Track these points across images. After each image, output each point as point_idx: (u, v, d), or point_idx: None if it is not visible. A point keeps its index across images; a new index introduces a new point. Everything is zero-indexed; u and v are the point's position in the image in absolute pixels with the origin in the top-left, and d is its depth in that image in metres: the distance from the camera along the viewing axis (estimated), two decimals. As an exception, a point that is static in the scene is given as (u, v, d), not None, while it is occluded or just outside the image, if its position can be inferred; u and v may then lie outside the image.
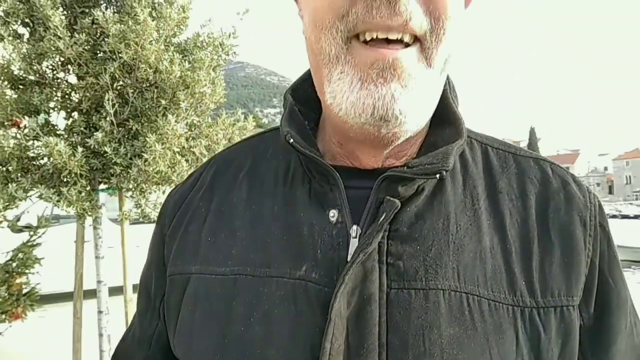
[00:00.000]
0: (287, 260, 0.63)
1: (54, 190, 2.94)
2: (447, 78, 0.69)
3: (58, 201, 2.87)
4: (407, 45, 0.57)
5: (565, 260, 0.64)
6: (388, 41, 0.56)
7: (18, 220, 4.65)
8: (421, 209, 0.63)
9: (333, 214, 0.63)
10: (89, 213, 3.08)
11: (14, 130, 3.05)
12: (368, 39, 0.56)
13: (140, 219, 3.54)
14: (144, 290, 0.79)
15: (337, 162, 0.68)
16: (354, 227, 0.61)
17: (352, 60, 0.57)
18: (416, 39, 0.57)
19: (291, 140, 0.64)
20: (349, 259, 0.59)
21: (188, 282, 0.68)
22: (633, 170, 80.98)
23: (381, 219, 0.59)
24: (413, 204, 0.63)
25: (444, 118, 0.68)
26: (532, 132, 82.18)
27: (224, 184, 0.74)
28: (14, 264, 3.74)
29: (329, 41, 0.57)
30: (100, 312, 3.35)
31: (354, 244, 0.60)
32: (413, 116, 0.58)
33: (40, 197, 2.95)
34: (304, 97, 0.73)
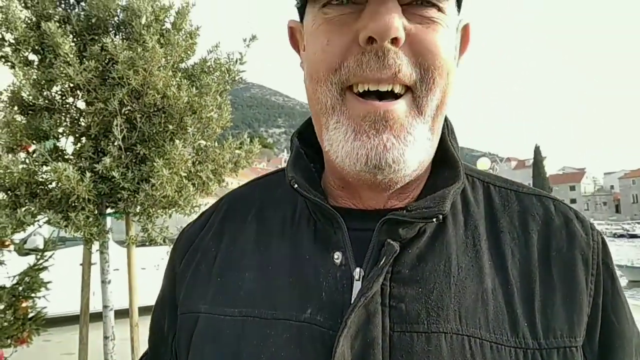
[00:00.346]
0: (293, 302, 0.64)
1: (62, 215, 2.96)
2: (446, 120, 0.71)
3: (66, 226, 2.89)
4: (398, 95, 0.59)
5: (568, 301, 0.64)
6: (380, 93, 0.59)
7: (25, 243, 4.67)
8: (423, 250, 0.64)
9: (337, 256, 0.64)
10: (96, 238, 3.09)
11: (23, 155, 3.09)
12: (361, 90, 0.59)
13: (147, 243, 3.55)
14: (157, 325, 0.81)
15: (340, 204, 0.70)
16: (357, 269, 0.63)
17: (346, 112, 0.60)
18: (407, 88, 0.60)
19: (295, 185, 0.66)
20: (352, 301, 0.60)
21: (197, 320, 0.69)
22: (639, 188, 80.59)
23: (381, 263, 0.60)
24: (415, 245, 0.64)
25: (444, 161, 0.70)
26: (537, 151, 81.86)
27: (233, 225, 0.76)
28: (20, 288, 3.75)
29: (324, 93, 0.61)
30: (106, 337, 3.34)
31: (357, 286, 0.61)
32: (407, 164, 0.60)
33: (48, 222, 2.97)
34: (310, 140, 0.75)
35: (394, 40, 0.56)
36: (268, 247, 0.70)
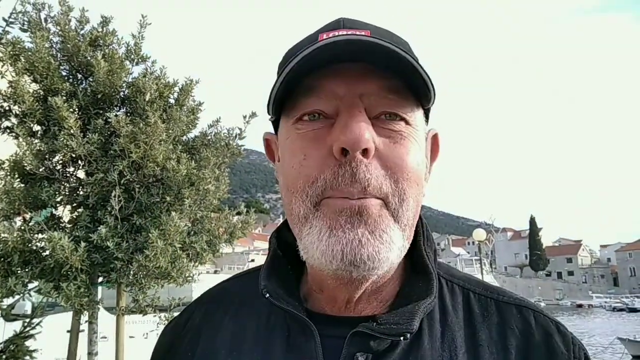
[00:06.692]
0: None
1: (53, 284, 2.94)
2: (424, 226, 0.73)
3: (57, 296, 2.86)
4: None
5: None
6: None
7: (12, 308, 4.59)
8: None
9: None
10: (86, 308, 3.06)
11: (19, 222, 3.10)
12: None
13: (137, 312, 3.50)
14: None
15: (316, 309, 0.70)
16: None
17: (320, 216, 0.61)
18: (379, 199, 0.61)
19: (267, 295, 0.66)
20: None
21: None
22: (636, 262, 79.79)
23: None
24: (388, 359, 0.63)
25: (419, 270, 0.70)
26: (532, 222, 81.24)
27: (210, 328, 0.76)
28: (4, 357, 3.65)
29: (298, 203, 0.62)
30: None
31: None
32: (381, 263, 0.60)
33: (38, 291, 2.94)
34: (290, 239, 0.73)
35: (365, 152, 0.58)
36: (240, 354, 0.70)
